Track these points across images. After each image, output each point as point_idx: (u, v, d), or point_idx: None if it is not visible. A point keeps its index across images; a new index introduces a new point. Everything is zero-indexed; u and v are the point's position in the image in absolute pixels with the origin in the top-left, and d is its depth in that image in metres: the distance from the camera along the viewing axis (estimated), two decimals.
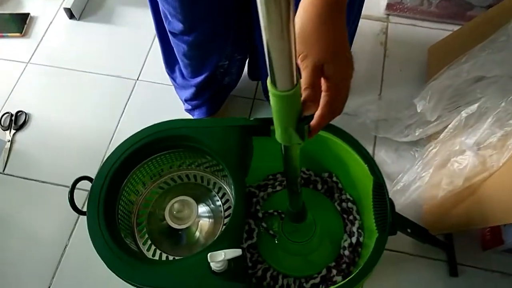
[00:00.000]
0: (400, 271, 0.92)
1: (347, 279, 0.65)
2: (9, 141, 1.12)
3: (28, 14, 1.35)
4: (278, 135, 0.52)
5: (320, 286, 0.80)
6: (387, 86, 1.13)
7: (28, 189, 1.06)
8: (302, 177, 0.90)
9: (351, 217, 0.85)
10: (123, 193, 0.77)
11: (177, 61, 0.95)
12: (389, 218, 0.68)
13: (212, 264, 0.61)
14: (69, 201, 0.71)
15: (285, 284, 0.81)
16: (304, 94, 0.46)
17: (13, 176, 1.08)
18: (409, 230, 0.78)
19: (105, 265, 0.66)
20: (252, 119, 0.75)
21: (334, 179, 0.87)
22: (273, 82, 0.43)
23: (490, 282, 0.90)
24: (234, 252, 0.60)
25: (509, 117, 0.78)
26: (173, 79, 1.02)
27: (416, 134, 0.95)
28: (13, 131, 1.14)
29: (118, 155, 0.74)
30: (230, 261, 0.64)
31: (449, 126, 0.85)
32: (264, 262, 0.83)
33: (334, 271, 0.81)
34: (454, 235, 0.92)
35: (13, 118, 1.16)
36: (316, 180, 0.89)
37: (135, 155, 0.75)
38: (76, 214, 0.99)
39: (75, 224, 1.01)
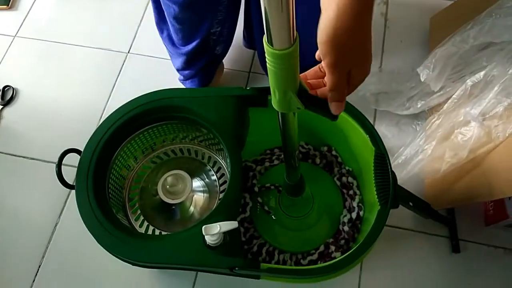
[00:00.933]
0: (400, 248, 0.89)
1: (347, 253, 0.62)
2: None
3: None
4: (275, 101, 0.49)
5: (318, 262, 0.78)
6: (388, 58, 1.09)
7: (17, 166, 1.03)
8: (301, 151, 0.86)
9: (351, 192, 0.82)
10: (114, 167, 0.73)
11: (168, 26, 0.91)
12: (392, 190, 0.65)
13: (207, 238, 0.58)
14: (57, 174, 0.68)
15: (281, 260, 0.78)
16: (330, 95, 0.46)
17: (1, 153, 1.04)
18: (411, 204, 0.76)
19: (96, 242, 0.64)
20: (248, 88, 0.71)
21: (334, 153, 0.84)
22: (270, 41, 0.40)
23: (493, 258, 0.88)
24: (230, 225, 0.57)
25: None
26: (165, 45, 0.98)
27: (418, 106, 0.91)
28: (0, 107, 1.10)
29: (107, 127, 0.71)
30: (226, 235, 0.61)
31: (453, 96, 0.82)
32: (260, 237, 0.80)
33: (333, 247, 0.78)
34: (456, 210, 0.90)
35: (0, 93, 1.11)
36: (315, 154, 0.86)
37: (126, 126, 0.72)
38: (66, 191, 0.98)
39: (65, 202, 0.97)
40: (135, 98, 0.73)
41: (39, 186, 1.00)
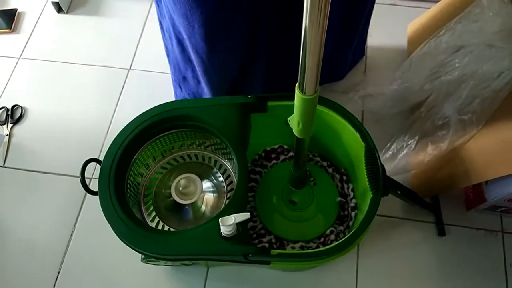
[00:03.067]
0: (392, 235, 0.98)
1: (348, 235, 0.71)
2: (7, 135, 1.15)
3: (16, 10, 1.36)
4: (298, 130, 0.63)
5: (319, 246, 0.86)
6: (371, 64, 1.18)
7: (29, 180, 1.09)
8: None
9: (345, 188, 0.91)
10: (130, 173, 0.80)
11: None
12: (382, 180, 0.74)
13: (222, 229, 0.66)
14: (81, 182, 0.74)
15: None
16: None
17: (14, 168, 1.11)
18: (399, 192, 0.84)
19: (121, 241, 0.71)
20: (250, 96, 0.80)
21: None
22: (302, 90, 0.55)
23: (476, 239, 0.97)
24: (243, 216, 0.64)
25: (486, 83, 0.84)
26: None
27: (401, 105, 1.01)
28: (10, 125, 1.16)
29: (124, 136, 0.78)
30: (238, 226, 0.68)
31: (432, 95, 0.92)
32: (263, 227, 0.89)
33: (332, 236, 0.87)
34: (440, 197, 0.99)
35: (9, 112, 1.18)
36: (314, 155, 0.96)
37: (140, 136, 0.79)
38: (79, 200, 1.05)
39: (79, 211, 1.04)
40: (147, 110, 0.81)
41: (52, 197, 1.06)
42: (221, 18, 0.76)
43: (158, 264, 0.93)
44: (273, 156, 0.96)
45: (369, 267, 0.95)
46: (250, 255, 0.68)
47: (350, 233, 0.71)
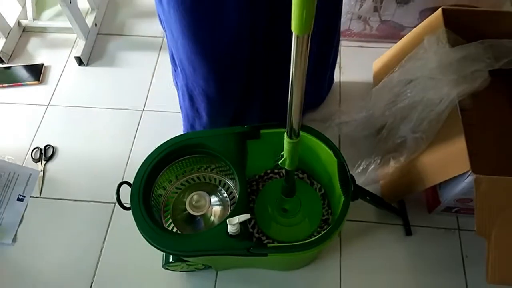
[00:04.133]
0: (368, 236, 1.18)
1: (329, 227, 0.91)
2: (41, 171, 1.35)
3: (42, 64, 1.59)
4: (288, 164, 0.87)
5: None
6: (345, 96, 1.42)
7: (62, 207, 1.28)
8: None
9: (326, 200, 1.12)
10: (153, 193, 1.01)
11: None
12: (351, 186, 0.95)
13: (229, 228, 0.86)
14: (117, 200, 0.94)
15: None
16: None
17: (49, 198, 1.31)
18: (368, 198, 1.05)
19: (149, 244, 0.90)
20: (246, 126, 1.01)
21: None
22: (290, 136, 0.79)
23: (437, 236, 1.17)
24: (245, 216, 0.85)
25: (431, 108, 1.06)
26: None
27: (369, 129, 1.23)
28: (44, 162, 1.37)
29: (148, 163, 0.99)
30: (241, 226, 0.89)
31: (391, 119, 1.14)
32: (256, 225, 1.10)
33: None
34: (406, 202, 1.20)
35: (42, 151, 1.39)
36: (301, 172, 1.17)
37: (161, 162, 1.00)
38: (106, 222, 1.24)
39: (106, 230, 1.24)
40: (164, 142, 1.02)
41: (82, 221, 1.25)
42: (223, 72, 1.00)
43: (175, 270, 1.12)
44: (266, 176, 1.18)
45: (350, 265, 1.14)
46: (251, 248, 0.88)
47: (329, 227, 0.91)
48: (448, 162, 0.99)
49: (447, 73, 1.06)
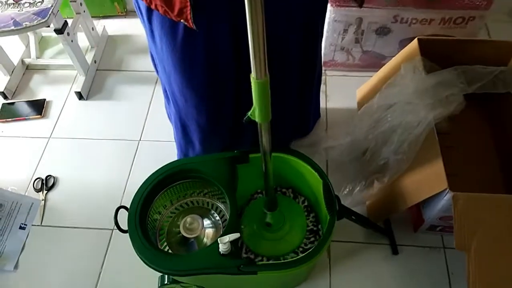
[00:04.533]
0: (355, 256, 1.22)
1: (316, 244, 0.96)
2: (43, 200, 1.41)
3: (44, 99, 1.67)
4: (258, 115, 0.76)
5: None
6: (331, 122, 1.50)
7: (63, 234, 1.33)
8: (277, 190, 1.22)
9: (311, 215, 1.17)
10: (148, 217, 1.06)
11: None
12: (335, 206, 1.01)
13: (220, 247, 0.91)
14: (115, 223, 1.00)
15: None
16: None
17: (50, 226, 1.36)
18: (353, 217, 1.11)
19: (146, 265, 0.95)
20: (236, 151, 1.08)
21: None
22: (256, 76, 0.68)
23: (423, 255, 1.21)
24: (235, 235, 0.90)
25: (410, 130, 1.13)
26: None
27: (354, 152, 1.29)
28: (45, 192, 1.43)
29: (144, 188, 1.05)
30: (231, 245, 0.94)
31: (374, 143, 1.21)
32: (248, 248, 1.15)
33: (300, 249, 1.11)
34: (392, 222, 1.25)
35: (43, 181, 1.45)
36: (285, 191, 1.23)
37: (156, 186, 1.06)
38: (104, 247, 1.29)
39: (105, 255, 1.28)
40: (159, 168, 1.08)
41: (82, 246, 1.30)
42: (214, 102, 1.07)
43: None
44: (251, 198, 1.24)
45: (340, 285, 1.18)
46: (241, 266, 0.92)
47: (315, 246, 0.96)
48: (428, 181, 1.05)
49: (423, 98, 1.13)
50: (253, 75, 0.69)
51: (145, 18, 0.93)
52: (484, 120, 1.36)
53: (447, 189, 0.97)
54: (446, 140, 1.16)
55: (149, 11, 0.90)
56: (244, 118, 0.78)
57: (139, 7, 0.94)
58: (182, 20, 0.84)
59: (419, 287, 1.16)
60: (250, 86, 0.71)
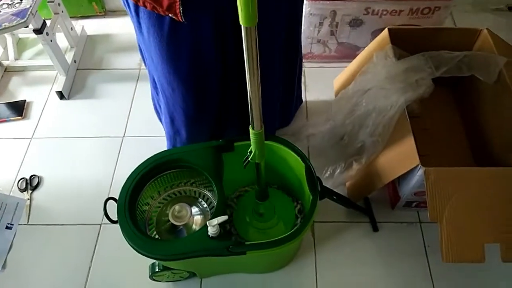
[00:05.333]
0: (338, 235, 1.28)
1: (300, 223, 1.01)
2: (28, 199, 1.42)
3: (24, 100, 1.68)
4: (257, 156, 0.92)
5: None
6: (311, 112, 1.55)
7: (50, 232, 1.35)
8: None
9: (298, 204, 1.23)
10: (137, 207, 1.09)
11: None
12: (317, 186, 1.06)
13: (209, 229, 0.95)
14: (105, 214, 1.02)
15: None
16: None
17: (36, 225, 1.37)
18: (334, 197, 1.16)
19: (136, 252, 0.98)
20: (220, 140, 1.12)
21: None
22: (253, 127, 0.84)
23: (401, 230, 1.28)
24: (223, 218, 0.94)
25: (384, 113, 1.20)
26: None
27: (333, 138, 1.35)
28: (30, 191, 1.44)
29: (132, 179, 1.08)
30: (220, 228, 0.98)
31: (351, 127, 1.27)
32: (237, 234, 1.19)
33: None
34: (371, 201, 1.31)
35: (28, 181, 1.46)
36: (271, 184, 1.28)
37: (143, 177, 1.09)
38: (93, 242, 1.31)
39: (94, 250, 1.30)
40: (147, 158, 1.11)
41: (69, 243, 1.32)
42: (199, 90, 1.11)
43: (161, 280, 1.19)
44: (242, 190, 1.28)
45: (325, 262, 1.23)
46: (230, 246, 0.97)
47: (299, 224, 1.02)
48: (401, 159, 1.11)
49: (395, 83, 1.20)
50: (251, 128, 0.85)
51: (133, 11, 0.96)
52: (452, 102, 1.44)
53: (419, 165, 1.04)
54: (418, 123, 1.23)
55: (137, 5, 0.93)
56: (244, 163, 0.96)
57: (126, 0, 0.97)
58: (170, 15, 0.87)
59: (398, 260, 1.23)
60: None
